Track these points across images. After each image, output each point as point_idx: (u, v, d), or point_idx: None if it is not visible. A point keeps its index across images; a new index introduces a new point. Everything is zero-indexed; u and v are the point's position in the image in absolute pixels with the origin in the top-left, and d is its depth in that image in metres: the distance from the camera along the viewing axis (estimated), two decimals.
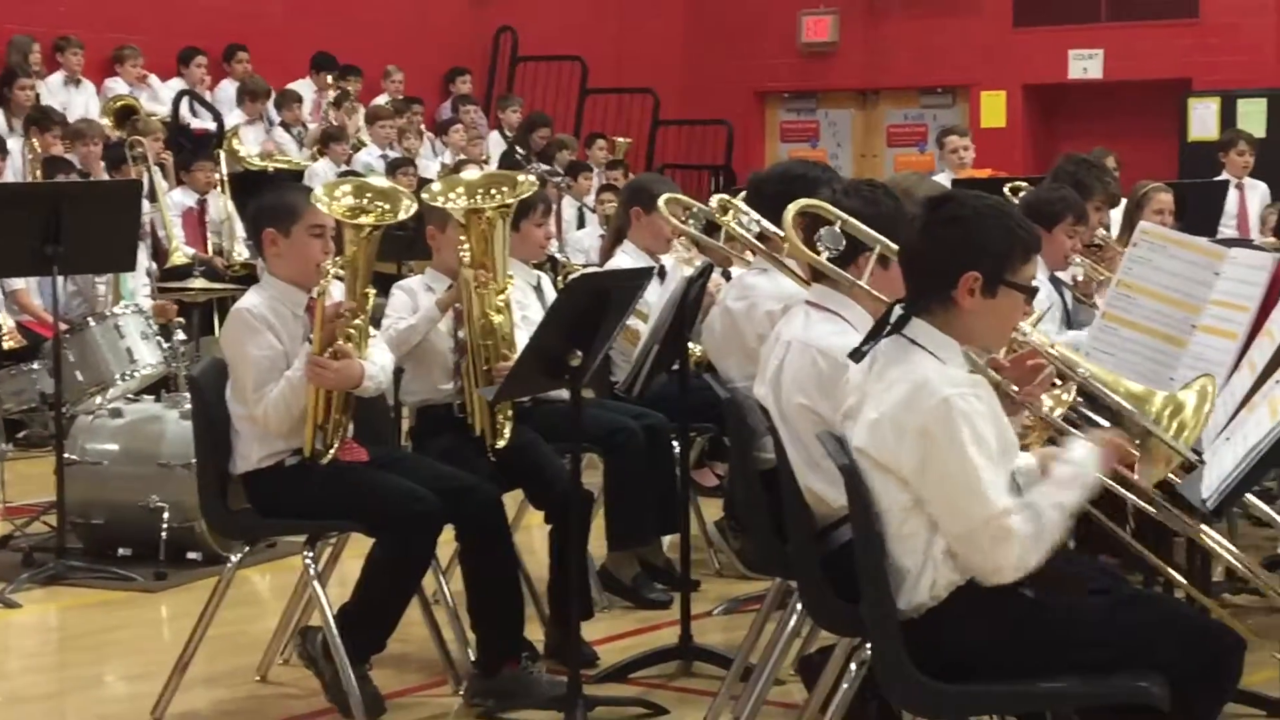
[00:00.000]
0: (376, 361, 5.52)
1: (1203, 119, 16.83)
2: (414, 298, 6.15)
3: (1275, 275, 4.74)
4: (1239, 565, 4.37)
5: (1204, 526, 4.10)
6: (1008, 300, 3.91)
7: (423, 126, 15.54)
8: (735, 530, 7.37)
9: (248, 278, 10.49)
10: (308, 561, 5.47)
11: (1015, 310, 3.98)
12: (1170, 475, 4.01)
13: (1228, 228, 11.97)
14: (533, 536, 6.90)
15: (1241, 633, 3.96)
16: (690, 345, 6.30)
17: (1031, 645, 3.81)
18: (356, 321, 5.43)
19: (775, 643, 5.10)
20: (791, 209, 4.71)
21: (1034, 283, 3.98)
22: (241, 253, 12.19)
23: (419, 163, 14.29)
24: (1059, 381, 4.29)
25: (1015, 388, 4.11)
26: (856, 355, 3.97)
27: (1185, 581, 4.69)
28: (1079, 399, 4.32)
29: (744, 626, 5.71)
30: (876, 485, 3.85)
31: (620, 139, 17.31)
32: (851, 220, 4.61)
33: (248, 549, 5.76)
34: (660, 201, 6.30)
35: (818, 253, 4.63)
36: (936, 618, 3.84)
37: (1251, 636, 4.03)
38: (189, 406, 6.55)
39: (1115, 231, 8.08)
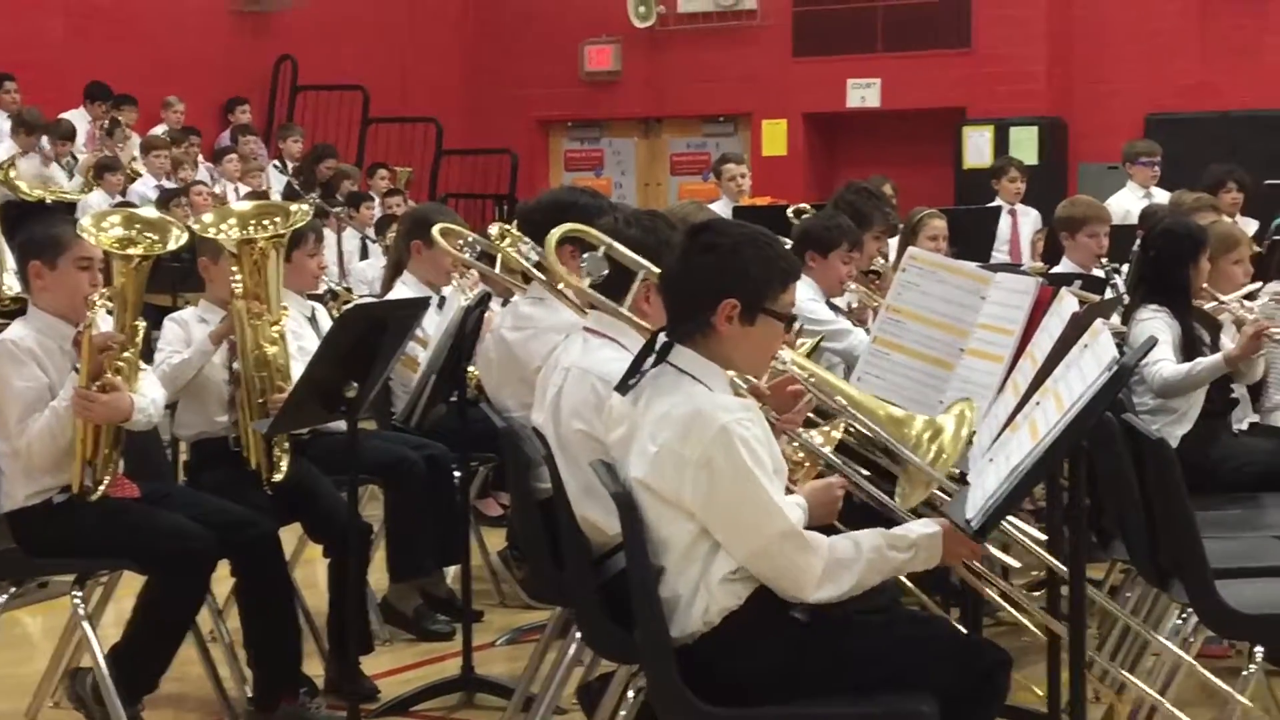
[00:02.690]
0: (147, 394, 5.42)
1: (977, 146, 17.18)
2: (186, 330, 6.06)
3: (1038, 299, 4.84)
4: (994, 595, 4.45)
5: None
6: (767, 328, 3.95)
7: (200, 157, 15.30)
8: (518, 559, 7.35)
9: (19, 311, 10.21)
10: (76, 601, 5.36)
11: (774, 337, 4.01)
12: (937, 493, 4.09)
13: (1000, 253, 12.20)
14: (315, 570, 6.81)
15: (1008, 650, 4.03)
16: (471, 369, 6.28)
17: (804, 668, 3.84)
18: (126, 354, 5.34)
19: (556, 671, 5.09)
20: (554, 234, 4.72)
21: (794, 309, 4.03)
22: (12, 286, 11.84)
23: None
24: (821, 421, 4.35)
25: (775, 414, 4.14)
26: (623, 388, 3.97)
27: (928, 600, 4.77)
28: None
29: (527, 656, 5.69)
30: (658, 516, 3.86)
31: (402, 169, 17.21)
32: (616, 245, 4.62)
33: (14, 589, 5.62)
34: (435, 231, 6.26)
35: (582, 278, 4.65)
36: (711, 643, 3.85)
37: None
38: None
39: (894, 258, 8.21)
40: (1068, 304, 4.40)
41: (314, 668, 5.93)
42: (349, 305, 7.24)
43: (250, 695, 5.67)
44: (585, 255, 4.65)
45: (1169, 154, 12.97)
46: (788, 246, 6.70)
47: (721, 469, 3.78)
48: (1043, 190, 13.99)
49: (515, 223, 6.01)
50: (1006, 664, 3.95)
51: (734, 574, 3.83)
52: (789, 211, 8.81)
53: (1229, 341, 6.58)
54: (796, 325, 5.42)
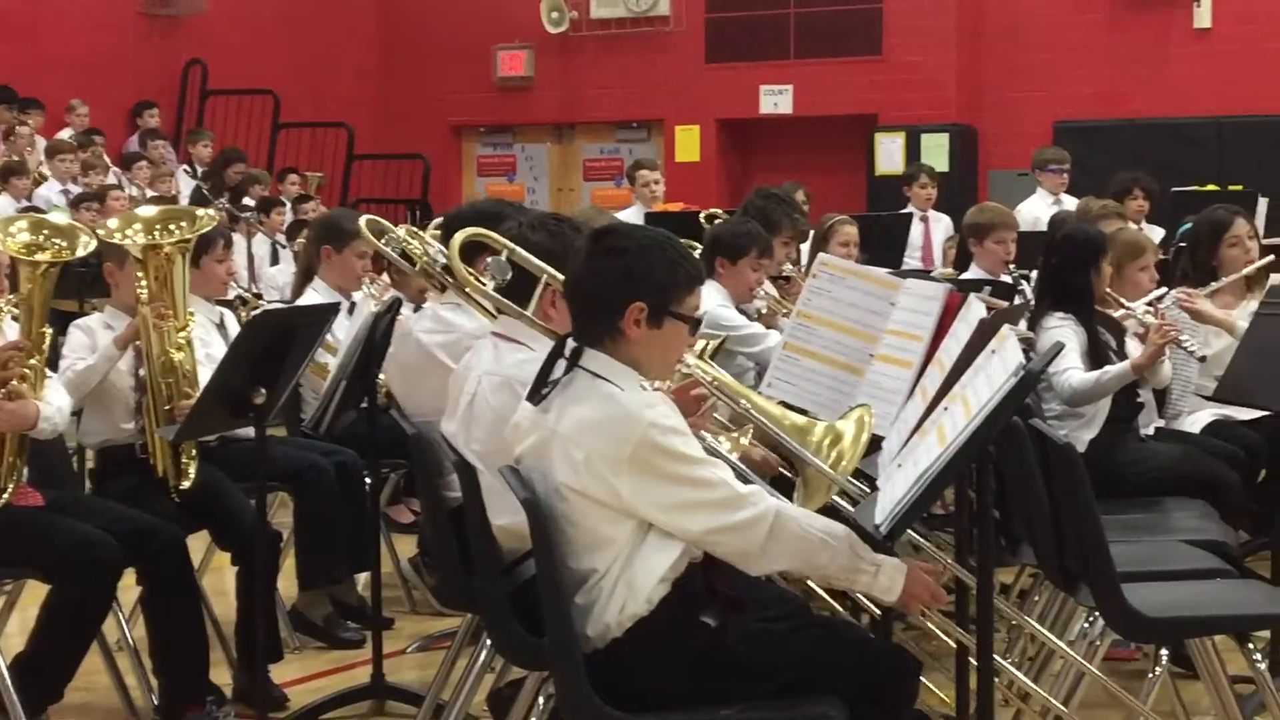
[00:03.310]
0: (53, 402, 5.34)
1: (889, 153, 17.29)
2: (92, 336, 5.99)
3: (947, 305, 4.87)
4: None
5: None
6: (673, 330, 3.95)
7: (108, 160, 15.17)
8: (429, 566, 7.33)
9: None
10: None
11: (680, 340, 4.02)
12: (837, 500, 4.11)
13: (913, 259, 12.26)
14: (224, 578, 6.75)
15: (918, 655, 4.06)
16: (381, 378, 6.24)
17: (714, 673, 3.84)
18: (32, 361, 5.26)
19: (466, 678, 5.07)
20: (457, 238, 4.72)
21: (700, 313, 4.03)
22: None
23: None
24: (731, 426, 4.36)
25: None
26: (535, 398, 3.96)
27: (837, 606, 4.78)
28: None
29: (438, 663, 5.67)
30: (595, 517, 3.84)
31: (314, 174, 17.13)
32: (518, 250, 4.62)
33: None
34: (361, 222, 6.24)
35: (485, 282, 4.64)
36: (621, 649, 3.85)
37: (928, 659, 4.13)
38: None
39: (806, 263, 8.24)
40: (975, 310, 4.42)
41: (222, 676, 5.88)
42: (257, 311, 7.18)
43: (156, 704, 5.62)
44: (489, 259, 4.65)
45: (1077, 161, 13.10)
46: (699, 252, 6.80)
47: (655, 463, 3.78)
48: (954, 197, 14.11)
49: (440, 230, 5.99)
50: (915, 669, 3.98)
51: (664, 577, 3.83)
52: (701, 217, 8.84)
53: (1134, 347, 6.64)
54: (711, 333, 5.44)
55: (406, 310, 6.76)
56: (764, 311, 7.15)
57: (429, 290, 6.53)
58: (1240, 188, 12.24)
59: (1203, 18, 16.81)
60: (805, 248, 8.89)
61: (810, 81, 17.93)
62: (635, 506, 3.82)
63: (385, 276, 7.50)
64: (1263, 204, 10.90)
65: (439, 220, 6.58)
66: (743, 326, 6.76)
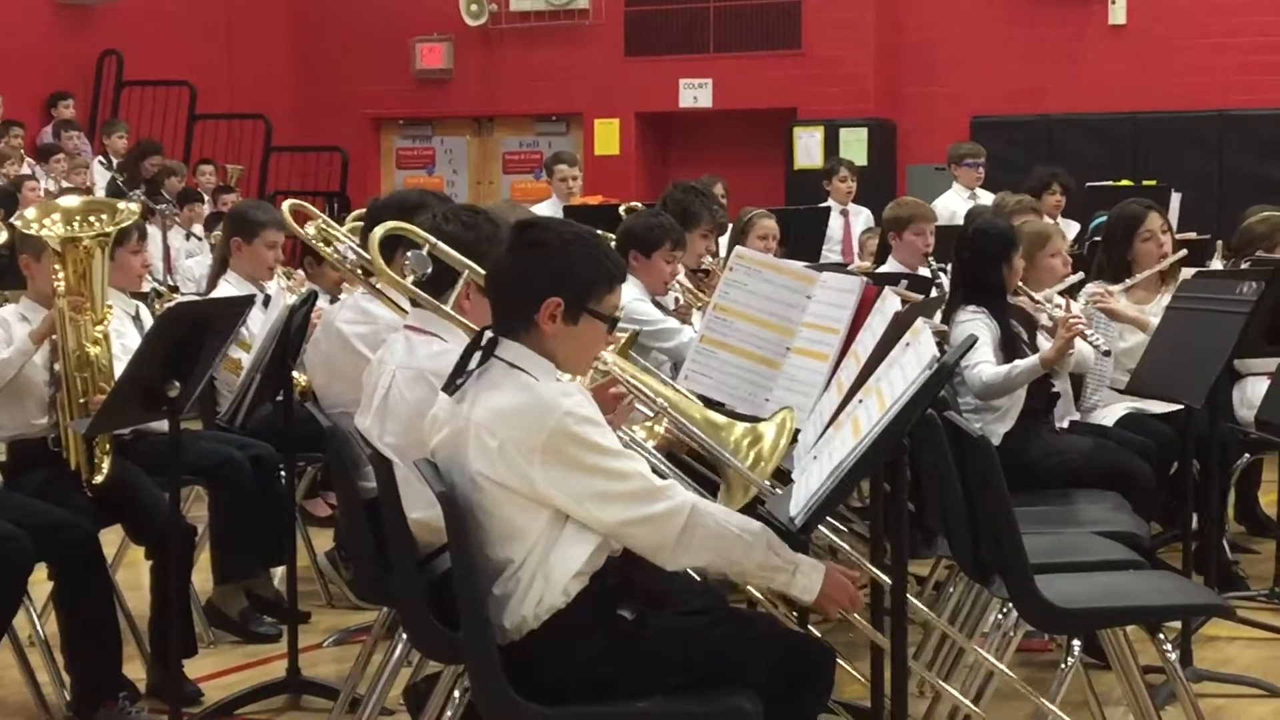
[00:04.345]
0: None
1: (807, 147, 17.34)
2: (7, 329, 5.92)
3: (863, 298, 4.89)
4: None
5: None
6: (589, 328, 3.94)
7: (24, 152, 15.01)
8: (346, 560, 7.30)
9: None
10: None
11: (597, 338, 4.01)
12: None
13: (833, 252, 12.33)
14: (138, 572, 6.70)
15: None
16: (296, 375, 6.21)
17: (630, 666, 3.84)
18: None
19: (382, 672, 5.05)
20: (377, 232, 4.70)
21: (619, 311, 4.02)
22: None
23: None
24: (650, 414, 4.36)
25: None
26: (451, 389, 3.95)
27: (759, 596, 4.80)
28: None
29: (354, 657, 5.65)
30: (510, 507, 3.83)
31: (231, 165, 17.02)
32: (439, 244, 4.61)
33: None
34: (284, 206, 6.22)
35: (405, 275, 4.63)
36: (538, 642, 3.85)
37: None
38: None
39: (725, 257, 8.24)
40: (891, 303, 4.45)
41: (136, 671, 5.84)
42: (171, 303, 7.13)
43: (69, 700, 5.57)
44: (409, 253, 4.63)
45: (994, 156, 13.19)
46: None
47: (568, 452, 3.77)
48: (872, 191, 14.16)
49: (364, 221, 5.94)
50: (830, 660, 3.99)
51: (580, 570, 3.82)
52: (621, 210, 8.85)
53: (1045, 341, 6.69)
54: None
55: (323, 302, 6.73)
56: (680, 302, 7.16)
57: (347, 281, 6.50)
58: (1154, 183, 12.38)
59: (1118, 14, 16.94)
60: (724, 241, 8.91)
61: (729, 75, 17.96)
62: (549, 495, 3.81)
63: (300, 272, 7.47)
64: (1176, 198, 11.04)
65: (360, 212, 6.55)
66: (657, 321, 6.77)
